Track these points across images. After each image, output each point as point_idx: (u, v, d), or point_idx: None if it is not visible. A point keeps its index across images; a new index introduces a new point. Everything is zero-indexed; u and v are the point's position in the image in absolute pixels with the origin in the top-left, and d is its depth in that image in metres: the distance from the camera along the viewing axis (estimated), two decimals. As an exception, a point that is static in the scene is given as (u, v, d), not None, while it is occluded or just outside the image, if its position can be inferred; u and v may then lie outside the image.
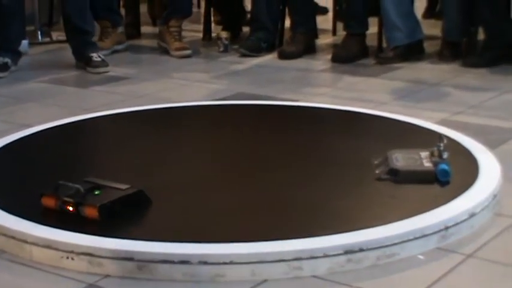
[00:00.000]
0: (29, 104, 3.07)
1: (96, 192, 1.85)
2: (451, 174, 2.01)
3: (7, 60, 3.48)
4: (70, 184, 1.85)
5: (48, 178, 2.14)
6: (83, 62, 3.59)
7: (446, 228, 1.79)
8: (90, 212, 1.81)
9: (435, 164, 2.03)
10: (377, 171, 2.07)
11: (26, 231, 1.76)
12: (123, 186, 1.89)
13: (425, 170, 2.02)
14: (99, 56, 3.59)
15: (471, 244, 1.78)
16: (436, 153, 2.07)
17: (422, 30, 3.74)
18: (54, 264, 1.70)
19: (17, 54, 3.57)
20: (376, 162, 2.10)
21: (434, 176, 2.01)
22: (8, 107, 3.02)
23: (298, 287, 1.62)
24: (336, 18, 4.30)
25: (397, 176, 2.02)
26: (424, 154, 2.09)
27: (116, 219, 1.81)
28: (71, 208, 1.83)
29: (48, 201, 1.86)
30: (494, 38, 3.53)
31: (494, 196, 1.96)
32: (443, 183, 2.00)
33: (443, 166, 2.01)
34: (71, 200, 1.82)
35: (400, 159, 2.08)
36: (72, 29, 3.62)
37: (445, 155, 2.05)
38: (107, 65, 3.57)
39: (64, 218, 1.84)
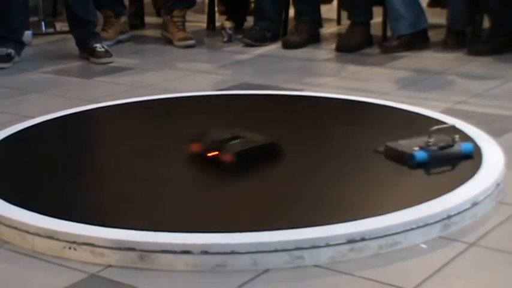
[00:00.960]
0: (32, 95, 3.07)
1: (235, 142, 2.11)
2: (418, 159, 2.03)
3: (10, 50, 3.48)
4: (214, 133, 2.15)
5: (51, 169, 2.15)
6: (87, 52, 3.59)
7: (449, 217, 1.78)
8: (228, 157, 2.06)
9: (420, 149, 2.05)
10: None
11: (28, 221, 1.76)
12: (260, 138, 2.16)
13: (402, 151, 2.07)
14: (103, 47, 3.58)
15: (474, 233, 1.78)
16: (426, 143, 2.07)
17: (427, 19, 3.72)
18: (56, 254, 1.71)
19: (20, 45, 3.57)
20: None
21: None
22: (11, 98, 3.02)
23: (300, 276, 1.62)
24: (340, 7, 4.28)
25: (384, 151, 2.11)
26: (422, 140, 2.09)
27: (247, 166, 2.04)
28: (212, 153, 2.08)
29: (195, 147, 2.12)
30: (499, 26, 3.51)
31: (498, 185, 1.95)
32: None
33: (419, 154, 2.03)
34: (213, 146, 2.10)
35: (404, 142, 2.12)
36: (75, 19, 3.62)
37: (431, 142, 2.06)
38: (110, 56, 3.56)
39: (66, 208, 1.85)
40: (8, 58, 3.47)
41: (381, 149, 2.12)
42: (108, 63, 3.53)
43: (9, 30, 3.50)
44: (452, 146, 2.07)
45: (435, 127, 2.11)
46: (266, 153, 2.13)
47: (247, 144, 2.12)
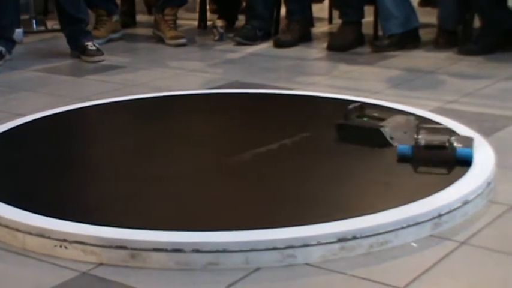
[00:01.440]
0: (23, 93, 3.06)
1: (364, 119, 2.28)
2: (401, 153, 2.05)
3: (1, 48, 3.47)
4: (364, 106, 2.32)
5: (41, 167, 2.15)
6: (78, 51, 3.58)
7: (440, 215, 1.79)
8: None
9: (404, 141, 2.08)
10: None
11: (19, 220, 1.76)
12: (379, 124, 2.22)
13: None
14: (94, 45, 3.57)
15: (465, 231, 1.78)
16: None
17: (418, 18, 3.73)
18: (47, 252, 1.70)
19: (11, 43, 3.56)
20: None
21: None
22: (2, 96, 3.01)
23: (291, 275, 1.62)
24: (331, 6, 4.29)
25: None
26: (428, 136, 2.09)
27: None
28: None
29: None
30: (490, 25, 3.52)
31: (488, 184, 1.95)
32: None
33: (402, 147, 2.06)
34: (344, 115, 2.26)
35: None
36: (66, 17, 3.61)
37: (420, 137, 2.06)
38: (102, 54, 3.55)
39: (57, 206, 1.84)
40: None
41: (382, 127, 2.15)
42: (99, 61, 3.53)
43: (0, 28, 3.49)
44: (444, 147, 2.05)
45: (428, 125, 2.11)
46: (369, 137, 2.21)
47: (360, 123, 2.25)
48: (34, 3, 4.36)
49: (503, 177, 2.02)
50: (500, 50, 3.46)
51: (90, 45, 3.55)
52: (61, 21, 3.67)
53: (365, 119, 2.28)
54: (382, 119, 2.25)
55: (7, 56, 3.50)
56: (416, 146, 2.05)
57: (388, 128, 2.17)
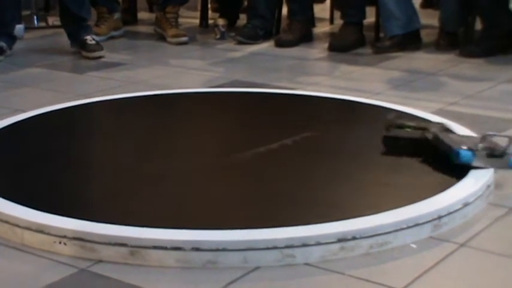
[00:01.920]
0: (23, 89, 3.06)
1: (407, 129, 2.21)
2: (462, 157, 1.98)
3: (2, 44, 3.47)
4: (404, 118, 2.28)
5: (42, 163, 2.15)
6: (78, 46, 3.57)
7: (440, 217, 1.79)
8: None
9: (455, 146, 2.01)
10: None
11: (19, 215, 1.76)
12: (420, 133, 2.16)
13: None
14: (93, 39, 3.56)
15: (464, 233, 1.78)
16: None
17: (420, 19, 3.73)
18: (47, 248, 1.70)
19: (11, 39, 3.56)
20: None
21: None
22: (3, 92, 3.01)
23: (290, 274, 1.62)
24: (333, 7, 4.29)
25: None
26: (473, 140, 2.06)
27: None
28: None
29: None
30: (492, 27, 3.52)
31: (488, 186, 1.96)
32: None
33: (463, 152, 1.98)
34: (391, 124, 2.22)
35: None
36: (68, 15, 3.59)
37: (481, 145, 2.01)
38: (101, 49, 3.55)
39: (56, 202, 1.84)
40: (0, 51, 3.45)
41: (430, 135, 2.09)
42: (100, 57, 3.52)
43: (0, 23, 3.49)
44: (501, 156, 2.01)
45: (491, 133, 2.07)
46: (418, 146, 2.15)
47: (404, 134, 2.18)
48: (35, -1, 4.36)
49: (503, 180, 2.02)
50: (501, 53, 3.46)
51: (89, 39, 3.54)
52: (63, 19, 3.67)
53: (408, 129, 2.21)
54: (423, 129, 2.17)
55: (8, 52, 3.50)
56: (479, 153, 2.00)
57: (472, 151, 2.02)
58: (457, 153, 1.99)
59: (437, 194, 1.86)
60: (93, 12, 4.01)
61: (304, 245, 1.65)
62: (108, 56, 3.57)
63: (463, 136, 2.19)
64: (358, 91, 2.94)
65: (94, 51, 3.52)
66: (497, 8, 3.50)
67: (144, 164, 2.12)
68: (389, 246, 1.71)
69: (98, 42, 3.56)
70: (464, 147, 2.00)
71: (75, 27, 3.59)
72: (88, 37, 3.54)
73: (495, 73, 3.23)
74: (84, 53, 3.54)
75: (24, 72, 3.34)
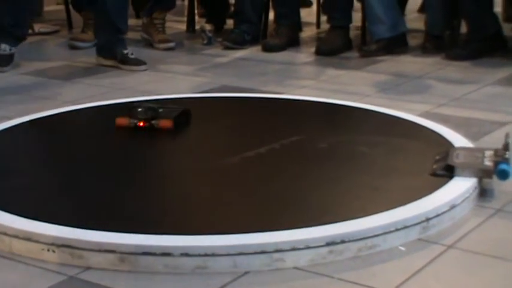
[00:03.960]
0: (10, 97, 3.04)
1: (160, 110, 2.31)
2: (510, 173, 1.93)
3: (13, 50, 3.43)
4: (139, 107, 2.36)
5: (29, 170, 2.14)
6: (116, 59, 3.47)
7: (428, 219, 1.80)
8: (167, 123, 2.31)
9: (496, 163, 1.96)
10: (434, 166, 2.02)
11: (6, 223, 1.75)
12: (176, 106, 2.40)
13: (483, 168, 1.97)
14: (132, 53, 3.49)
15: (452, 235, 1.79)
16: (500, 152, 2.00)
17: (406, 23, 3.75)
18: (35, 256, 1.69)
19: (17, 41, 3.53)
20: (437, 157, 2.07)
21: (491, 174, 1.96)
22: (-11, 99, 3.00)
23: (280, 278, 1.62)
24: (319, 11, 4.30)
25: (453, 173, 1.97)
26: (488, 153, 2.03)
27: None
28: (141, 124, 2.31)
29: (121, 121, 2.34)
30: (477, 30, 3.54)
31: (475, 188, 1.97)
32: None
33: (503, 166, 1.94)
34: (144, 116, 2.32)
35: (461, 156, 2.03)
36: (106, 24, 3.48)
37: (507, 154, 1.98)
38: (144, 63, 3.46)
39: (44, 209, 1.84)
40: None
41: (441, 171, 1.99)
42: (144, 70, 3.43)
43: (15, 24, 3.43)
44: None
45: (508, 140, 2.05)
46: (188, 117, 2.44)
47: (174, 111, 2.35)
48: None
49: (490, 182, 2.03)
50: (486, 55, 3.48)
51: (129, 53, 3.47)
52: (98, 28, 3.57)
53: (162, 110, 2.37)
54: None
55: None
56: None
57: None
58: (503, 171, 1.93)
59: (425, 197, 1.87)
60: (79, 19, 4.01)
61: (293, 249, 1.65)
62: (94, 62, 3.56)
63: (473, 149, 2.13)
64: (346, 94, 2.95)
65: (138, 65, 3.44)
66: (482, 11, 3.52)
67: (131, 170, 2.11)
68: (378, 249, 1.72)
69: (138, 58, 3.48)
70: (501, 161, 1.95)
71: (109, 38, 3.48)
72: (128, 51, 3.47)
73: (481, 75, 3.24)
74: (126, 67, 3.43)
75: (10, 79, 3.33)
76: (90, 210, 1.87)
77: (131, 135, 2.44)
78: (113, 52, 3.49)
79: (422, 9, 4.44)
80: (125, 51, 3.48)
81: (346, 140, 2.35)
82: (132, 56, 3.48)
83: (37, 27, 4.24)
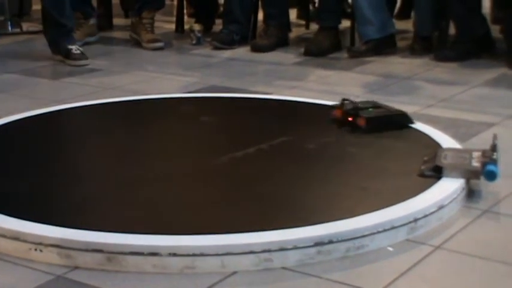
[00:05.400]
0: (-2, 95, 3.04)
1: (370, 109, 2.43)
2: (498, 174, 1.93)
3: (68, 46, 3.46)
4: (352, 101, 2.47)
5: (17, 169, 2.13)
6: (61, 54, 3.52)
7: (416, 220, 1.80)
8: (361, 121, 2.37)
9: (483, 164, 1.96)
10: (422, 167, 2.03)
11: (-6, 223, 1.74)
12: (392, 109, 2.48)
13: (471, 169, 1.97)
14: (78, 49, 3.53)
15: (440, 236, 1.80)
16: (488, 153, 2.01)
17: (394, 24, 3.76)
18: (22, 256, 1.69)
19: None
20: (425, 158, 2.07)
21: (479, 175, 1.97)
22: (-23, 98, 2.99)
23: (268, 278, 1.62)
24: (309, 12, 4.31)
25: (441, 173, 1.98)
26: (476, 154, 2.03)
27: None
28: (350, 118, 2.41)
29: (337, 113, 2.45)
30: (465, 32, 3.56)
31: (463, 189, 1.97)
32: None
33: (491, 167, 1.94)
34: (352, 112, 2.41)
35: (449, 157, 2.04)
36: (50, 21, 3.54)
37: (495, 155, 1.99)
38: (86, 58, 3.51)
39: (32, 209, 1.83)
40: None
41: (429, 172, 2.00)
42: (85, 65, 3.47)
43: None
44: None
45: (496, 141, 2.07)
46: (395, 123, 2.42)
47: (381, 113, 2.42)
48: (9, 5, 4.32)
49: (477, 183, 2.04)
50: (475, 57, 3.50)
51: (74, 49, 3.51)
52: (44, 25, 3.62)
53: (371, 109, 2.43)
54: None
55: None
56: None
57: None
58: (490, 172, 1.93)
59: (413, 197, 1.88)
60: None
61: (281, 249, 1.66)
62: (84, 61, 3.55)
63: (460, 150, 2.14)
64: (334, 95, 2.95)
65: (80, 59, 3.49)
66: (470, 13, 3.53)
67: (119, 170, 2.11)
68: (366, 250, 1.72)
69: (82, 52, 3.53)
70: (488, 162, 1.95)
71: (55, 33, 3.55)
72: (73, 47, 3.51)
73: (469, 77, 3.26)
74: (69, 62, 3.49)
75: (-2, 78, 3.32)
76: (78, 209, 1.87)
77: (124, 135, 2.43)
78: (59, 47, 3.53)
79: (400, 14, 4.38)
80: (70, 47, 3.51)
81: (334, 140, 2.35)
82: (77, 52, 3.51)
83: (25, 26, 4.23)
